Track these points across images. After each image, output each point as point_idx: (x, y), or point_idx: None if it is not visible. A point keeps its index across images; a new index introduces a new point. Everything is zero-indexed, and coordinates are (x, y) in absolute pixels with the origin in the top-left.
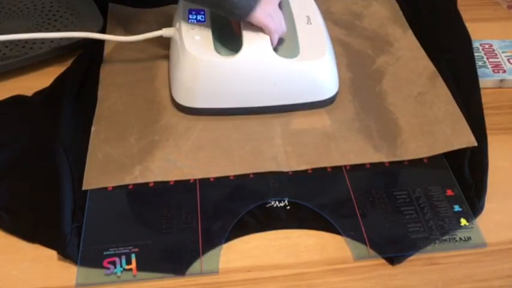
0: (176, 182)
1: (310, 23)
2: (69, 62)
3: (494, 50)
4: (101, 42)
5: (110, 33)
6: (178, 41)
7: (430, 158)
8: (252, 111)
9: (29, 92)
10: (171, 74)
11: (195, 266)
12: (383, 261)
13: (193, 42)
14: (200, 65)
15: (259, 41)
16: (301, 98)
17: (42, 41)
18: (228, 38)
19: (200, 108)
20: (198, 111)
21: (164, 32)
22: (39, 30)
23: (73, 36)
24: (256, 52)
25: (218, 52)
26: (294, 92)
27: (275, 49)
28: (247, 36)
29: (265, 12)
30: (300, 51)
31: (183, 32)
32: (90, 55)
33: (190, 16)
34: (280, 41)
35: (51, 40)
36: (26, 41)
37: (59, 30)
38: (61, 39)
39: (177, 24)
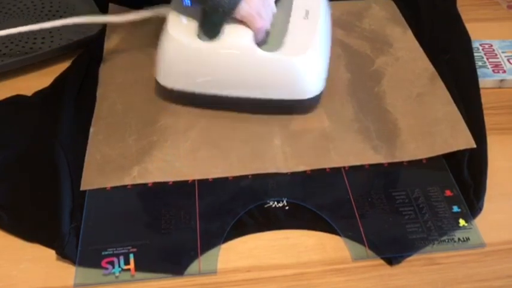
0: (175, 182)
1: (307, 18)
2: (69, 62)
3: (494, 50)
4: (101, 42)
5: (110, 33)
6: (166, 21)
7: (428, 159)
8: (228, 102)
9: (29, 92)
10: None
11: (194, 266)
12: (383, 261)
13: (178, 24)
14: (176, 46)
15: (241, 30)
16: (278, 94)
17: (42, 41)
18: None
19: (175, 90)
20: (174, 94)
21: (156, 11)
22: (39, 31)
23: (70, 22)
24: (234, 41)
25: (201, 38)
26: (270, 87)
27: (263, 40)
28: (231, 24)
29: (251, 8)
30: (284, 45)
31: (171, 14)
32: (90, 55)
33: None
34: (270, 32)
35: (51, 40)
36: (26, 41)
37: (58, 30)
38: (61, 39)
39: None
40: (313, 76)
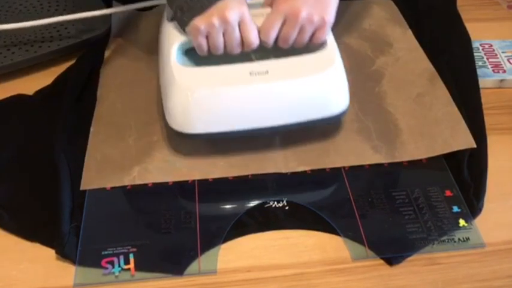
0: (175, 182)
1: (252, 75)
2: (70, 62)
3: (494, 50)
4: (103, 43)
5: (114, 33)
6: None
7: (428, 159)
8: None
9: (30, 93)
10: None
11: (194, 266)
12: (383, 261)
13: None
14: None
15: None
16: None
17: (45, 41)
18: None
19: None
20: None
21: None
22: (47, 29)
23: (80, 17)
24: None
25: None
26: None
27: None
28: None
29: (202, 22)
30: (197, 72)
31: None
32: (91, 56)
33: None
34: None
35: (54, 41)
36: (30, 41)
37: (66, 29)
38: (64, 40)
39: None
40: (182, 115)
